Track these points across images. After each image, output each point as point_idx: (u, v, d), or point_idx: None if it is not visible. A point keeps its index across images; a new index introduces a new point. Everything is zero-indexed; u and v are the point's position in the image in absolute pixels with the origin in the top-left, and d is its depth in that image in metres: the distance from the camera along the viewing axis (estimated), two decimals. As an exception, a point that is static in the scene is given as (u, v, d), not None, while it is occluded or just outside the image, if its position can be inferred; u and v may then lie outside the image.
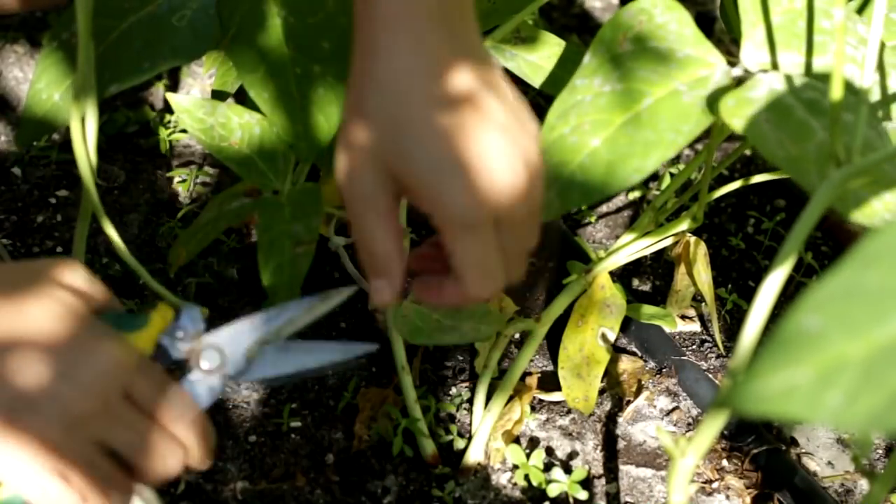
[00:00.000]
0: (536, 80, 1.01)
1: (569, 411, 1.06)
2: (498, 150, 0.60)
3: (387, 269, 0.62)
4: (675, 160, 1.35)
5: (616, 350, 1.13)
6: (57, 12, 1.37)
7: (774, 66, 0.74)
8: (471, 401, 1.04)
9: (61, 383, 0.58)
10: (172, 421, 0.62)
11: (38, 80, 0.87)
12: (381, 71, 0.60)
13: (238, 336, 0.66)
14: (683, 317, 1.16)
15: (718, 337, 1.11)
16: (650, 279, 1.21)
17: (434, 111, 0.59)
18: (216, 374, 0.65)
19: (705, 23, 1.53)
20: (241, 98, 0.96)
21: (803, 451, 1.06)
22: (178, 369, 0.65)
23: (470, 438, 1.01)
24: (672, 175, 1.29)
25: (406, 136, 0.59)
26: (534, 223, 0.63)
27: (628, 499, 1.00)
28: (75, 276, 0.63)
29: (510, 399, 1.01)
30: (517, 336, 1.11)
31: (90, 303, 0.63)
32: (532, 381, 1.05)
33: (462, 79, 0.60)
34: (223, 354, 0.66)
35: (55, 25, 0.88)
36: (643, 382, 1.09)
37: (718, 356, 1.13)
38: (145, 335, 0.64)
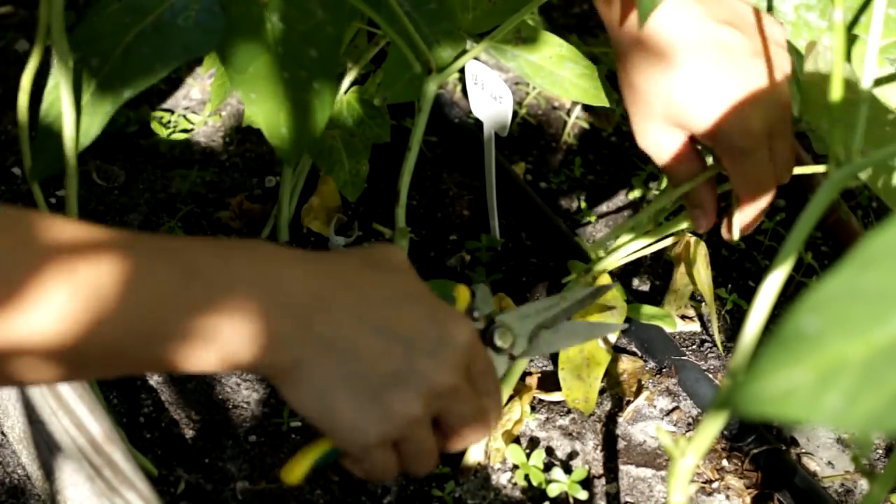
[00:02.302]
0: (537, 80, 1.01)
1: (569, 411, 1.06)
2: (756, 82, 0.75)
3: (700, 201, 0.83)
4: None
5: (616, 350, 1.13)
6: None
7: None
8: (471, 401, 1.04)
9: (429, 360, 0.62)
10: (487, 395, 0.67)
11: (45, 116, 0.88)
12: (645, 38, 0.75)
13: (524, 319, 0.74)
14: (683, 317, 1.16)
15: (718, 337, 1.11)
16: (650, 279, 1.21)
17: (699, 66, 0.75)
18: (506, 353, 0.72)
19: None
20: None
21: (803, 451, 1.06)
22: None
23: (470, 438, 1.01)
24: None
25: (682, 91, 0.75)
26: (790, 126, 0.77)
27: (628, 499, 1.00)
28: (403, 256, 0.67)
29: (510, 399, 1.01)
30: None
31: None
32: (532, 381, 1.05)
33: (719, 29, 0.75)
34: (513, 335, 0.73)
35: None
36: (643, 382, 1.09)
37: (718, 356, 1.13)
38: None
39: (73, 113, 0.85)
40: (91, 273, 0.53)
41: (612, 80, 1.41)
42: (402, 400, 0.61)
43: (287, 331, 0.58)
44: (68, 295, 0.52)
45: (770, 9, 0.86)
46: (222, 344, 0.56)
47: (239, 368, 0.59)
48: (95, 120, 0.85)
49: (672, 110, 0.76)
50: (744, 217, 0.82)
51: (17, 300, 0.51)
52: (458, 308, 0.71)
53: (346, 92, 1.13)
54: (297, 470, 0.65)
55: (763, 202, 0.80)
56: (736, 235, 0.83)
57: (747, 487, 1.01)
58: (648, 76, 0.76)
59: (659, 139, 0.79)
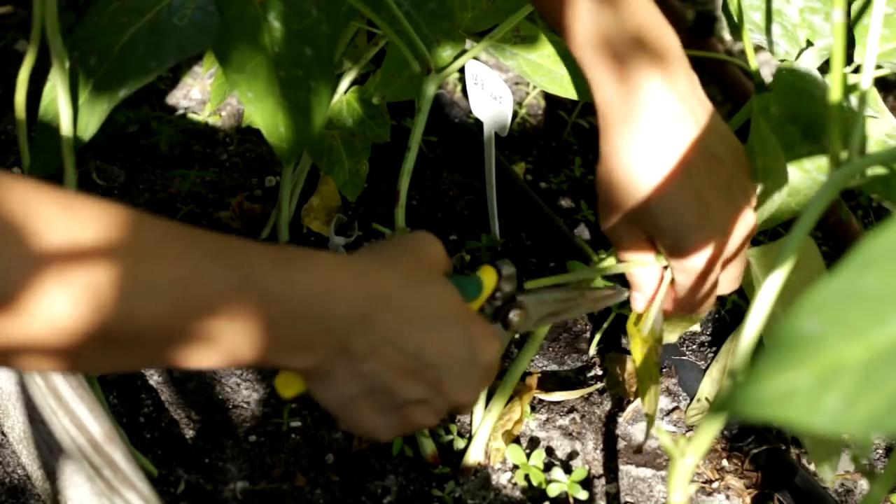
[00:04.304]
0: (536, 79, 1.01)
1: (569, 411, 1.06)
2: (724, 212, 0.76)
3: (642, 286, 0.83)
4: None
5: (616, 350, 1.13)
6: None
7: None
8: (471, 401, 1.04)
9: (456, 382, 0.65)
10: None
11: (44, 114, 0.88)
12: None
13: (541, 304, 0.77)
14: (683, 316, 1.16)
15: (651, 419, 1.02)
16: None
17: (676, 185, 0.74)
18: (515, 329, 0.76)
19: (705, 23, 1.53)
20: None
21: (803, 451, 1.06)
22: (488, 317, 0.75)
23: (470, 438, 1.01)
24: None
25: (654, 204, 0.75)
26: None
27: (628, 499, 1.00)
28: (439, 250, 0.69)
29: (510, 399, 1.01)
30: (517, 336, 1.11)
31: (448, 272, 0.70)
32: (532, 381, 1.05)
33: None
34: (528, 314, 0.76)
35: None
36: (643, 382, 1.09)
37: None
38: (479, 300, 0.74)
39: (69, 111, 0.85)
40: (151, 267, 0.54)
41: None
42: (423, 415, 0.66)
43: (326, 344, 0.61)
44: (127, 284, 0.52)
45: (769, 11, 0.86)
46: (264, 349, 0.58)
47: (275, 368, 0.62)
48: (93, 118, 0.86)
49: (640, 216, 0.77)
50: (674, 305, 0.84)
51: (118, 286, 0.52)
52: (484, 296, 0.74)
53: (346, 92, 1.13)
54: (292, 386, 0.65)
55: (696, 305, 0.83)
56: (660, 317, 0.86)
57: (747, 487, 1.01)
58: (630, 177, 0.75)
59: (621, 233, 0.80)
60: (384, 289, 0.64)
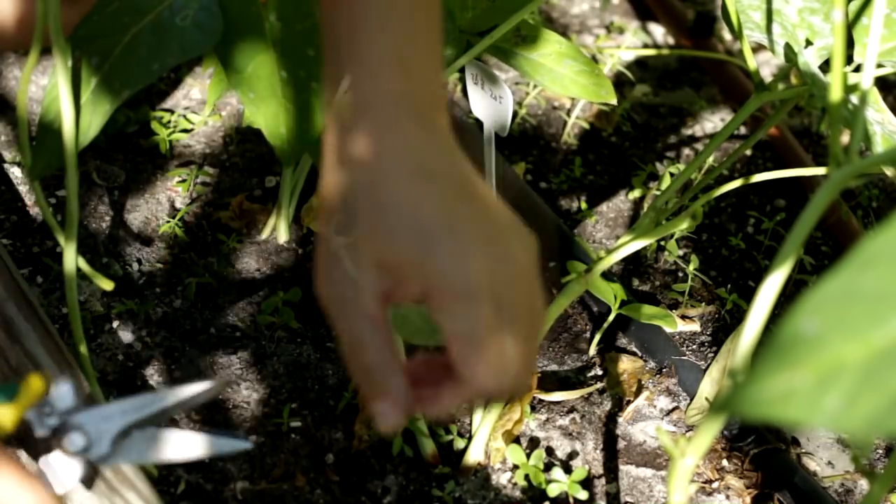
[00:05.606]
0: (537, 79, 1.01)
1: (569, 411, 1.06)
2: (485, 223, 0.59)
3: (386, 387, 0.54)
4: (675, 160, 1.35)
5: (616, 350, 1.13)
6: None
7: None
8: (471, 401, 1.04)
9: None
10: None
11: (45, 114, 0.88)
12: (356, 151, 0.58)
13: (107, 419, 0.63)
14: (683, 317, 1.16)
15: None
16: (650, 279, 1.21)
17: (415, 187, 0.56)
18: (78, 457, 0.62)
19: (705, 23, 1.53)
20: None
21: (803, 451, 1.06)
22: (40, 446, 0.63)
23: (470, 438, 1.01)
24: (672, 175, 1.29)
25: (387, 212, 0.55)
26: (536, 320, 0.57)
27: (628, 499, 1.00)
28: None
29: (510, 399, 1.01)
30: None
31: None
32: (532, 381, 1.05)
33: (439, 161, 0.61)
34: (89, 437, 0.63)
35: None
36: (643, 382, 1.09)
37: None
38: (11, 409, 0.61)
39: (72, 111, 0.85)
40: None
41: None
42: None
43: None
44: None
45: (770, 12, 0.86)
46: None
47: None
48: (95, 119, 0.86)
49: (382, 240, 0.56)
50: (444, 397, 0.56)
51: None
52: (18, 405, 0.62)
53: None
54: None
55: (480, 374, 0.54)
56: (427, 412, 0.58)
57: (747, 487, 1.01)
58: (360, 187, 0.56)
59: (344, 286, 0.56)
60: None
